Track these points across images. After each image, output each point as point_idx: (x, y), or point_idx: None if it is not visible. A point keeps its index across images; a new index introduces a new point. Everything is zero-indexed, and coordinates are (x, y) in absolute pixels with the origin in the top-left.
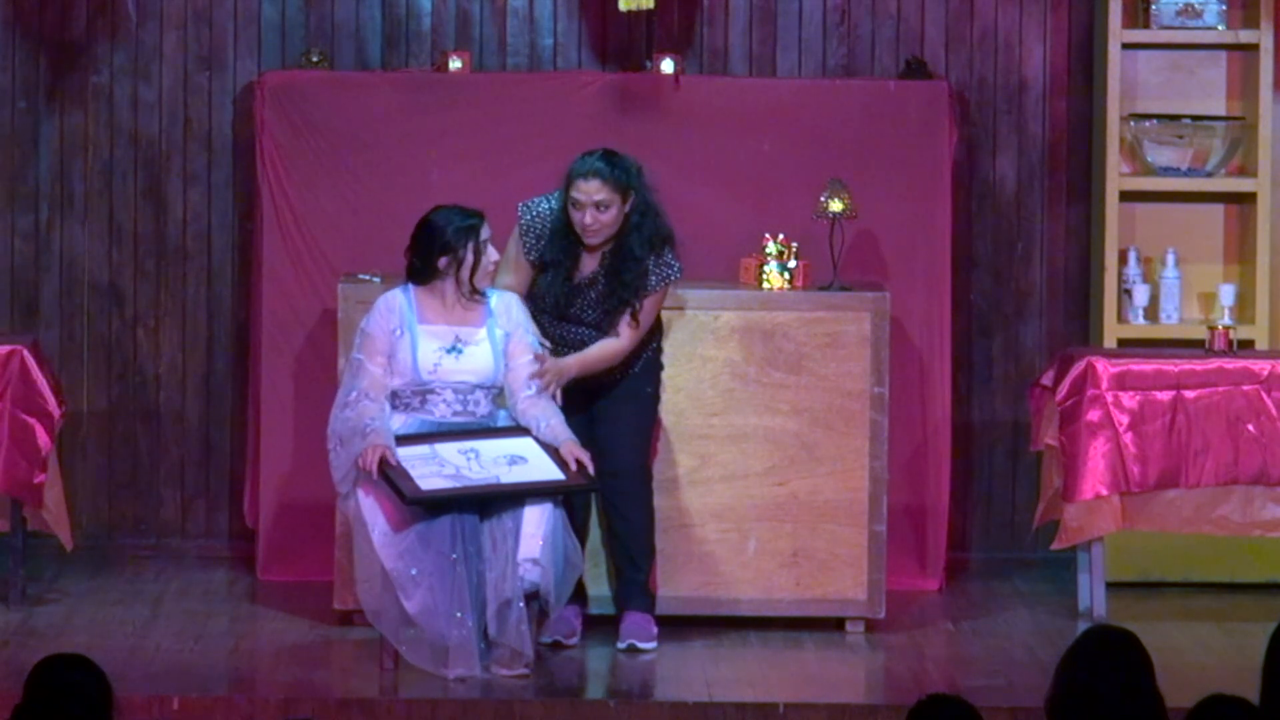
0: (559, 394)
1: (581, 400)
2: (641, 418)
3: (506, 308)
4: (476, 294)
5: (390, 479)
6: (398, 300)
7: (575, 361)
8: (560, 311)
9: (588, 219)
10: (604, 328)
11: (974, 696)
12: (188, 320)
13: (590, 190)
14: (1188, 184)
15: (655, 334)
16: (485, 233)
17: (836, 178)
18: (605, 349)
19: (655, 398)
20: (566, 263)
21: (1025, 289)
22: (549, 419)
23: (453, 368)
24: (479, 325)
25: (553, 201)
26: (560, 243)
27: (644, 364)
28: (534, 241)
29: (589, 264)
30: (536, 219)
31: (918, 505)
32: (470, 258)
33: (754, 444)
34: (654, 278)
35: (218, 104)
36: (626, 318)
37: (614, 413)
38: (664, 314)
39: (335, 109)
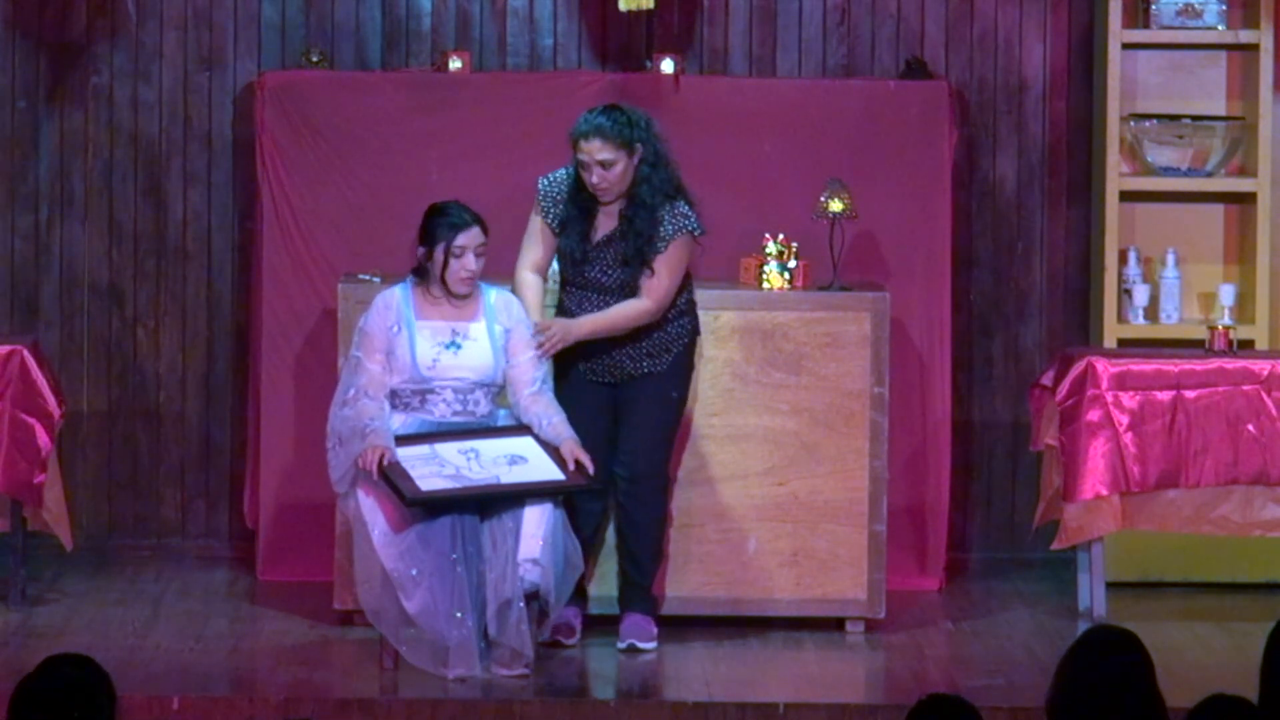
0: (551, 381)
1: (607, 396)
2: (663, 422)
3: (506, 304)
4: (453, 295)
5: (390, 479)
6: (395, 298)
7: (588, 321)
8: (578, 275)
9: (595, 178)
10: (624, 293)
11: (974, 696)
12: (188, 320)
13: (593, 150)
14: (1188, 184)
15: (684, 332)
16: (465, 239)
17: (836, 178)
18: (624, 310)
19: (681, 402)
20: (583, 222)
21: (1025, 289)
22: (550, 417)
23: (451, 363)
24: (476, 320)
25: (570, 169)
26: (576, 200)
27: (672, 363)
28: (551, 206)
29: (606, 223)
30: (552, 185)
31: (918, 505)
32: (440, 256)
33: (754, 444)
34: (669, 226)
35: (218, 104)
36: (646, 274)
37: (636, 414)
38: None
39: (335, 109)
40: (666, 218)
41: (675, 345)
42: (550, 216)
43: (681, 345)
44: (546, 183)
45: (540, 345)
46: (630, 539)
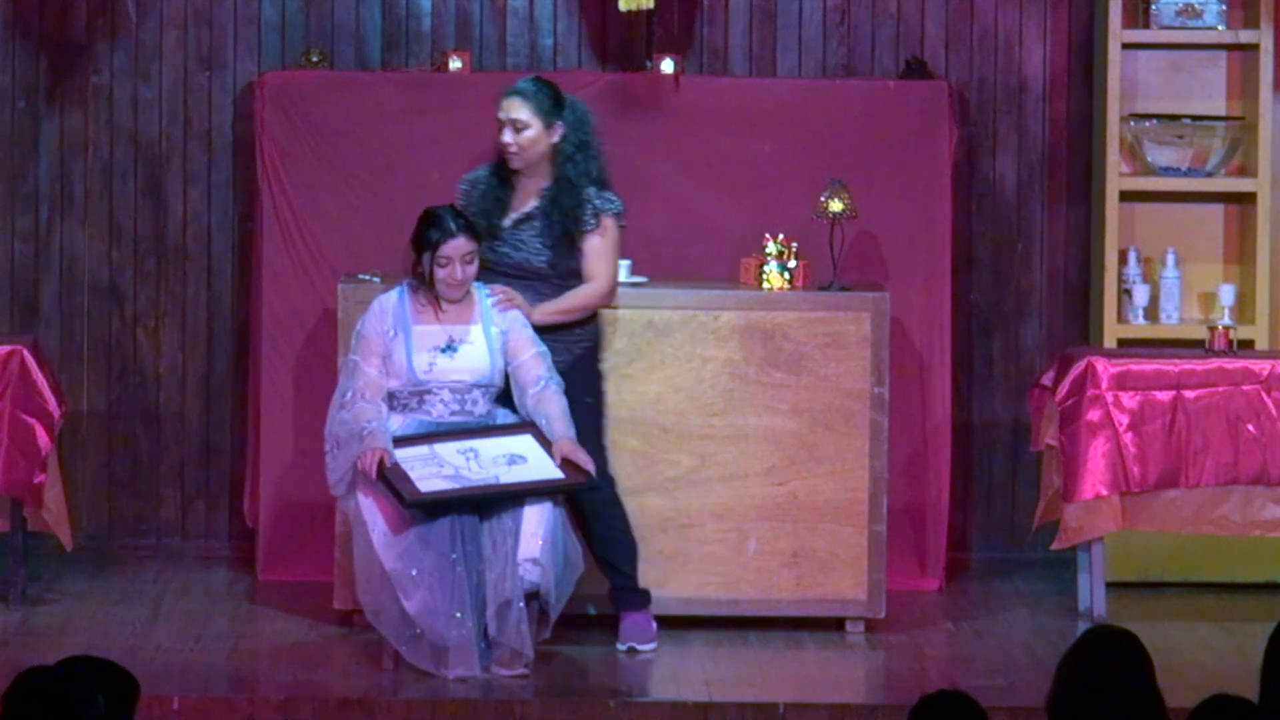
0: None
1: None
2: (583, 429)
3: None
4: (444, 300)
5: (389, 481)
6: (391, 302)
7: (549, 306)
8: (498, 258)
9: (506, 136)
10: (554, 277)
11: (974, 696)
12: (188, 320)
13: (509, 107)
14: (1188, 184)
15: (588, 335)
16: (449, 249)
17: (836, 178)
18: (579, 294)
19: (596, 406)
20: (497, 200)
21: (1025, 289)
22: (549, 413)
23: (448, 367)
24: (472, 323)
25: (492, 163)
26: (493, 184)
27: (574, 365)
28: (470, 190)
29: (523, 202)
30: (475, 174)
31: (918, 505)
32: (428, 263)
33: (754, 444)
34: (597, 203)
35: (218, 104)
36: (579, 256)
37: None
38: (665, 314)
39: (335, 109)
40: (594, 197)
41: (576, 347)
42: (471, 204)
43: (583, 349)
44: (469, 174)
45: (496, 293)
46: (598, 544)
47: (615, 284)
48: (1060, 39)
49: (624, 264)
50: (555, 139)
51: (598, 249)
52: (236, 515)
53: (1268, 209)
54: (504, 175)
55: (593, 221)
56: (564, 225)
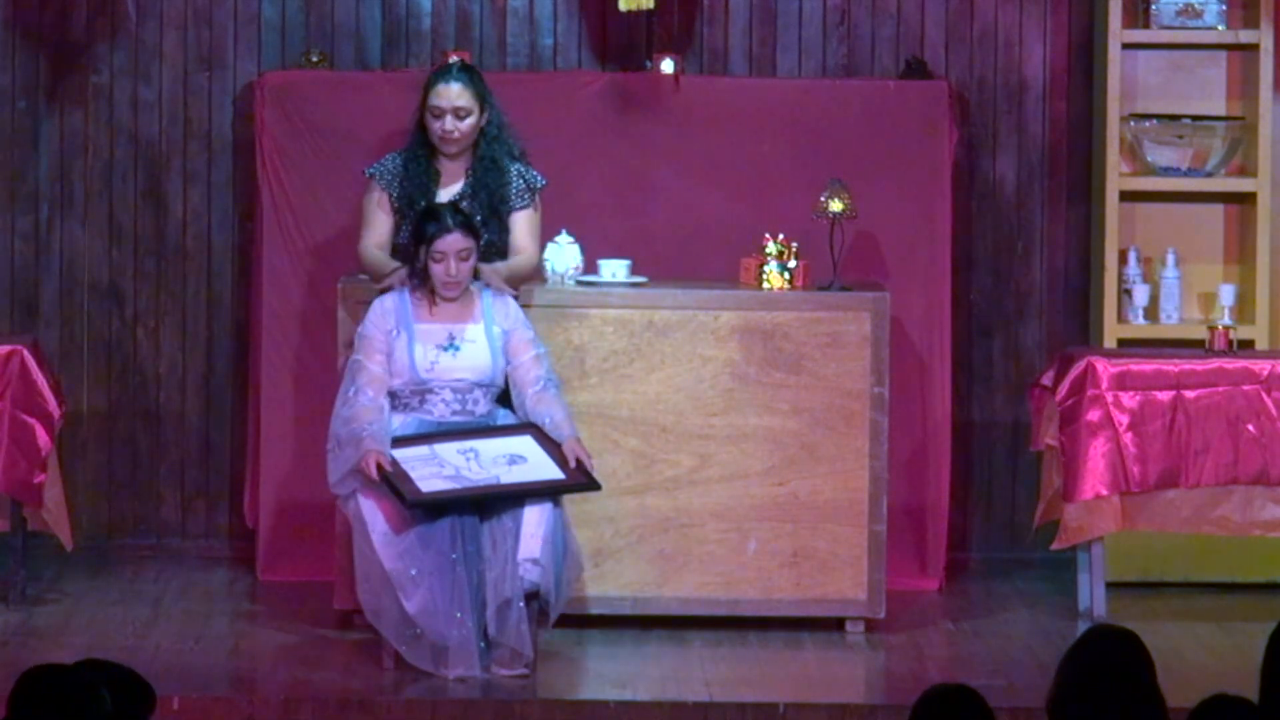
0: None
1: None
2: None
3: (504, 306)
4: (440, 296)
5: (391, 482)
6: (391, 302)
7: (503, 269)
8: None
9: (448, 124)
10: (493, 247)
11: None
12: (188, 320)
13: (452, 95)
14: (1188, 184)
15: None
16: (443, 244)
17: (836, 178)
18: (519, 262)
19: None
20: (429, 189)
21: (1025, 289)
22: (554, 414)
23: (450, 365)
24: (473, 322)
25: (396, 153)
26: (416, 170)
27: None
28: (391, 179)
29: (449, 184)
30: (385, 163)
31: (918, 505)
32: (423, 257)
33: (754, 444)
34: (525, 179)
35: (218, 104)
36: (516, 234)
37: None
38: (665, 314)
39: (335, 109)
40: (524, 173)
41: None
42: (391, 188)
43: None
44: (378, 165)
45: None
46: None
47: (539, 253)
48: (1060, 39)
49: (624, 264)
50: (484, 122)
51: (532, 222)
52: (236, 515)
53: (1268, 209)
54: (422, 161)
55: (527, 196)
56: (495, 203)
